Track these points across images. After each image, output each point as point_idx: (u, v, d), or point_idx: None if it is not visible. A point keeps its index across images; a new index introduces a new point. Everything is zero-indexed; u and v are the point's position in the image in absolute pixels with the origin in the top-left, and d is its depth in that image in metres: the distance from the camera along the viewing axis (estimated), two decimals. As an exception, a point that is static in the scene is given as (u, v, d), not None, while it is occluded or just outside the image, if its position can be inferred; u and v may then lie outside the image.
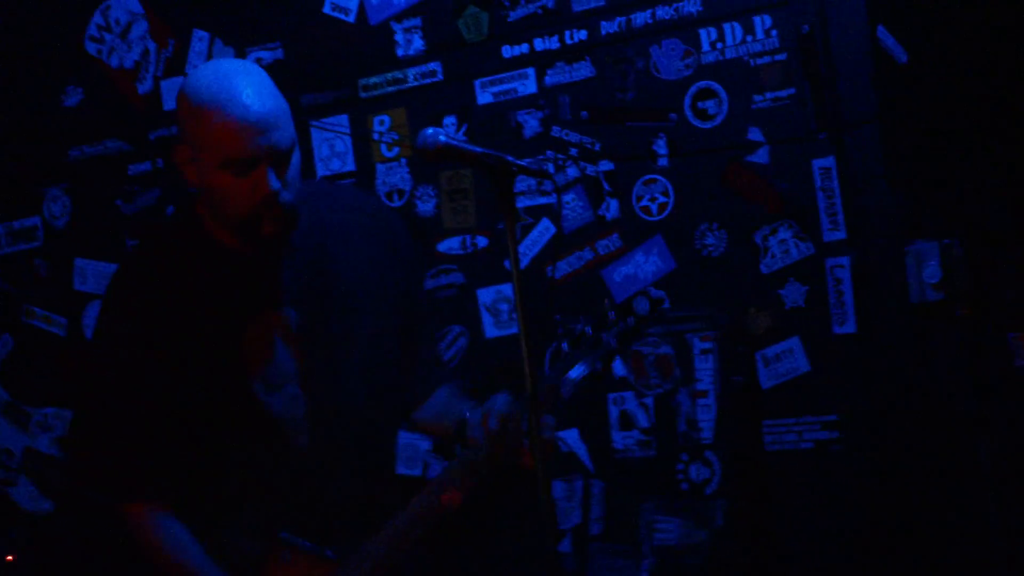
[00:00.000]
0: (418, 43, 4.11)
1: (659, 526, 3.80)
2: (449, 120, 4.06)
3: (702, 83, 3.75)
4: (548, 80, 3.94)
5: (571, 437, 3.91)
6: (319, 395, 2.77)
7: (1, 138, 4.83)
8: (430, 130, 2.47)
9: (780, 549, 3.65)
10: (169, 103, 4.50)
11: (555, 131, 3.93)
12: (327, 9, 4.23)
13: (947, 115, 3.81)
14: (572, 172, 3.91)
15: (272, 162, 2.60)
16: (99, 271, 4.63)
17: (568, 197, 3.91)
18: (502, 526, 3.93)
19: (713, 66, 3.74)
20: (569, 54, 3.90)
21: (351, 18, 4.20)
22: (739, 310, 3.72)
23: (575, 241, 3.90)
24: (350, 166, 4.22)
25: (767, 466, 3.68)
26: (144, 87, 4.55)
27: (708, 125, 3.75)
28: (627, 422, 3.85)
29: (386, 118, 4.17)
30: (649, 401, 3.82)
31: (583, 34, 3.88)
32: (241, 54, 4.35)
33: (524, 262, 3.94)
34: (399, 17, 4.13)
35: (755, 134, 3.69)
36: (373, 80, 4.17)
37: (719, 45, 3.73)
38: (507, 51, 3.98)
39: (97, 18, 4.62)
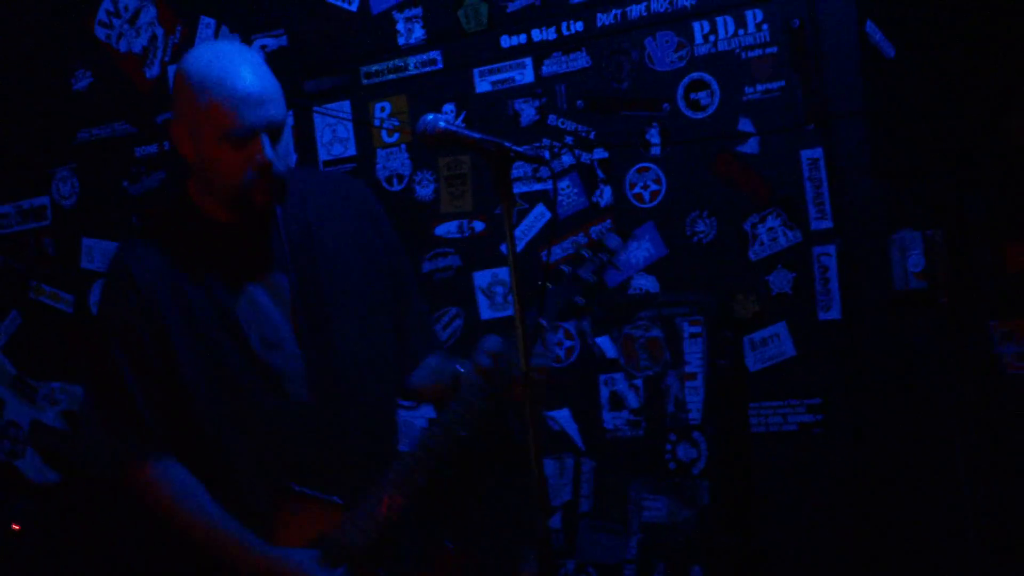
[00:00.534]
0: (419, 32, 4.18)
1: (647, 504, 3.83)
2: (448, 108, 4.12)
3: (695, 74, 3.82)
4: (545, 70, 4.00)
5: (563, 416, 3.98)
6: (316, 354, 2.84)
7: (12, 120, 4.89)
8: (430, 116, 2.55)
9: (764, 527, 3.71)
10: (176, 88, 4.57)
11: (551, 119, 4.00)
12: (331, -3, 4.31)
13: (932, 109, 3.85)
14: (567, 159, 3.98)
15: (268, 134, 2.72)
16: (106, 250, 4.68)
17: (563, 184, 3.97)
18: (494, 501, 4.00)
19: (705, 58, 3.80)
20: (566, 45, 3.96)
21: (354, 7, 4.26)
22: (727, 296, 3.79)
23: (569, 226, 3.97)
24: (351, 151, 4.29)
25: (752, 447, 3.75)
26: (152, 72, 4.62)
27: (700, 115, 3.81)
28: (617, 403, 3.90)
29: (387, 105, 4.24)
30: (639, 383, 3.87)
31: (579, 26, 3.95)
32: (246, 41, 4.40)
33: (519, 246, 4.00)
34: (400, 7, 4.19)
35: (745, 125, 3.75)
36: (375, 68, 4.24)
37: (712, 38, 3.79)
38: (505, 41, 4.05)
39: (107, 4, 4.68)
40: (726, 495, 3.73)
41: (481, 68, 4.09)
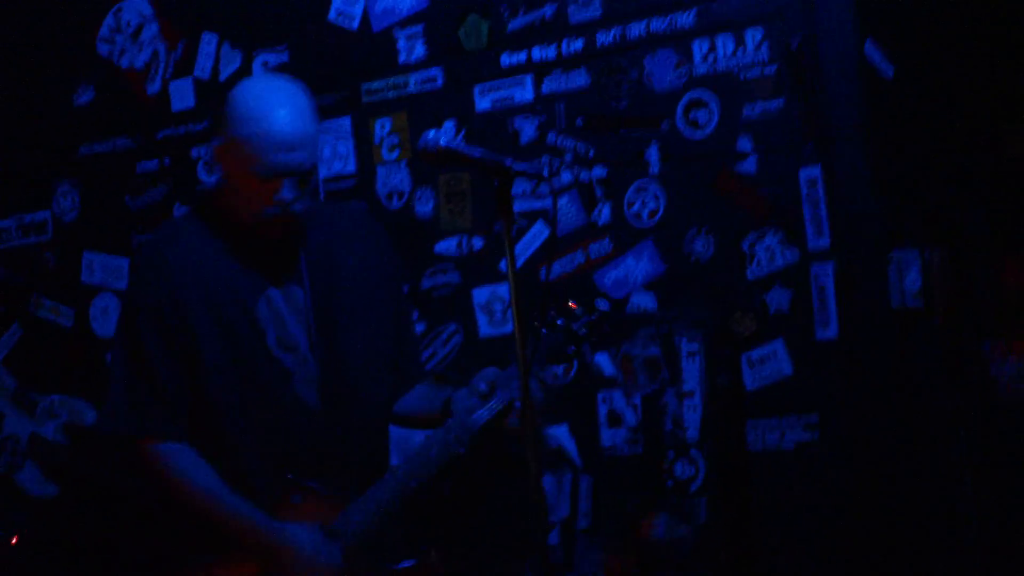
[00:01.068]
0: (420, 50, 4.20)
1: (644, 521, 3.84)
2: (448, 125, 4.14)
3: (694, 93, 3.84)
4: (545, 88, 4.02)
5: (561, 433, 3.99)
6: (326, 363, 2.96)
7: (14, 134, 4.91)
8: (431, 133, 2.61)
9: (761, 544, 3.70)
10: (177, 104, 4.60)
11: (551, 137, 4.02)
12: (332, 16, 4.32)
13: (930, 128, 3.87)
14: (566, 177, 3.99)
15: (291, 177, 2.83)
16: (106, 264, 4.71)
17: (562, 201, 3.99)
18: (493, 518, 4.01)
19: (705, 77, 3.82)
20: (566, 63, 3.99)
21: (355, 25, 4.29)
22: (725, 314, 3.80)
23: (568, 244, 3.99)
24: (351, 167, 4.32)
25: (750, 464, 3.75)
26: (153, 87, 4.64)
27: (699, 134, 3.83)
28: (615, 420, 3.92)
29: (387, 122, 4.26)
30: (637, 400, 3.89)
31: (579, 44, 3.97)
32: (249, 57, 4.44)
33: (518, 263, 3.93)
34: (402, 24, 4.22)
35: (744, 143, 3.77)
36: (375, 85, 4.26)
37: (711, 57, 3.81)
38: (506, 59, 4.07)
39: (109, 20, 4.71)
40: (724, 512, 3.74)
41: (481, 86, 4.11)
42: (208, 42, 4.53)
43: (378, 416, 3.10)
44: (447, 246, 4.18)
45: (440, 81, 4.18)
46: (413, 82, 4.21)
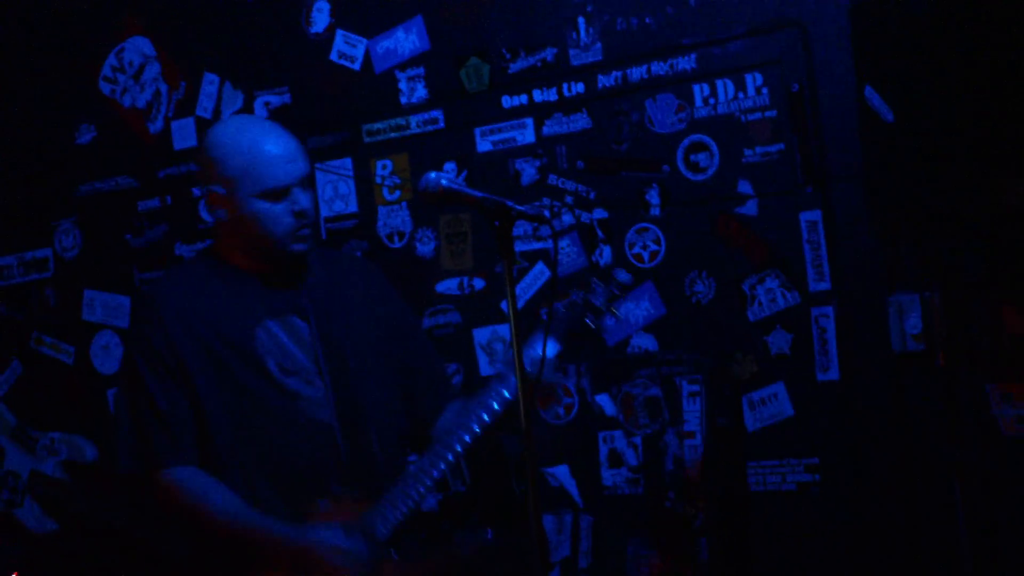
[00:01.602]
0: (421, 91, 4.22)
1: (645, 561, 3.87)
2: (449, 166, 4.16)
3: (694, 136, 3.86)
4: (546, 130, 4.04)
5: (562, 473, 4.01)
6: (334, 380, 3.03)
7: (16, 172, 4.93)
8: (433, 174, 2.65)
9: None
10: (179, 143, 4.61)
11: (551, 179, 4.04)
12: (334, 56, 4.34)
13: (930, 172, 3.87)
14: (567, 219, 4.01)
15: (300, 186, 3.00)
16: (107, 302, 4.73)
17: (563, 243, 4.01)
18: (493, 557, 4.01)
19: (705, 120, 3.84)
20: (567, 106, 4.01)
21: (356, 66, 4.30)
22: (726, 355, 3.82)
23: (569, 285, 3.97)
24: (353, 207, 4.33)
25: (751, 505, 3.78)
26: (155, 127, 4.65)
27: (699, 177, 3.85)
28: (616, 460, 3.93)
29: (388, 162, 4.28)
30: (638, 440, 3.90)
31: (581, 87, 3.99)
32: (250, 98, 4.46)
33: (519, 304, 4.03)
34: (403, 66, 4.23)
35: (745, 187, 3.79)
36: (377, 126, 4.28)
37: (711, 101, 3.83)
38: (507, 101, 4.09)
39: (111, 59, 4.72)
40: (724, 552, 3.74)
41: (482, 128, 4.13)
42: (210, 82, 4.55)
43: (394, 434, 3.14)
44: (448, 286, 4.19)
45: (441, 122, 4.19)
46: (414, 123, 4.23)
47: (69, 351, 4.80)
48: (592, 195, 3.99)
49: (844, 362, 3.68)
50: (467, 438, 2.98)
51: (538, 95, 4.05)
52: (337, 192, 4.34)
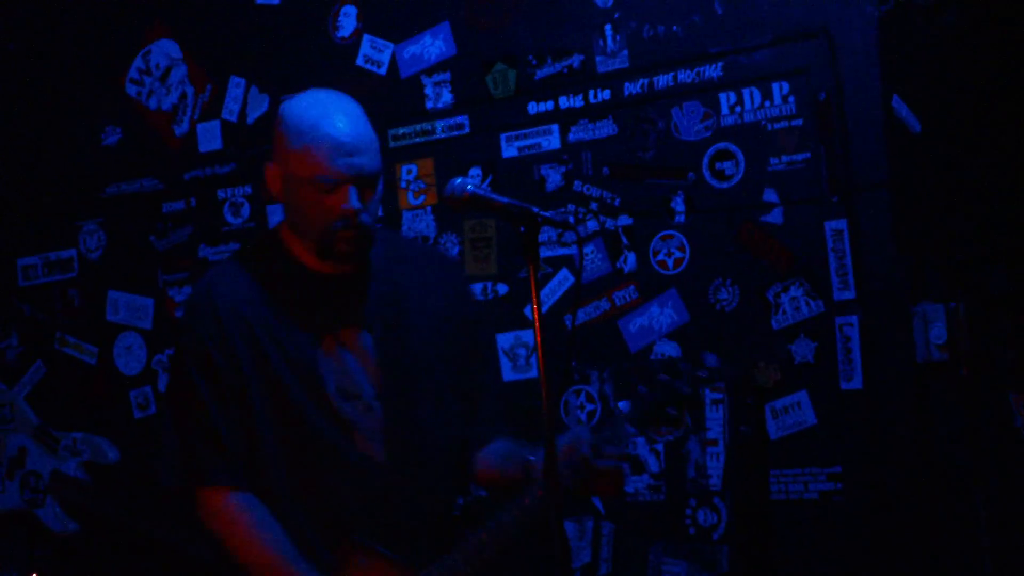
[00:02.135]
0: (447, 97, 4.23)
1: (666, 568, 3.87)
2: (475, 171, 4.17)
3: (720, 145, 3.86)
4: (572, 136, 4.04)
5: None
6: (394, 411, 2.86)
7: (42, 173, 4.95)
8: (458, 179, 2.60)
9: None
10: (204, 145, 4.64)
11: (577, 185, 4.04)
12: (360, 61, 4.35)
13: (956, 183, 3.88)
14: (592, 225, 4.01)
15: (356, 183, 2.75)
16: (131, 303, 4.75)
17: (588, 249, 4.01)
18: (514, 563, 4.01)
19: (731, 129, 3.84)
20: (593, 112, 4.01)
21: (383, 71, 4.32)
22: (750, 363, 3.81)
23: (593, 291, 4.01)
24: (378, 212, 4.31)
25: (773, 514, 3.76)
26: (181, 129, 4.68)
27: (725, 185, 3.85)
28: (638, 467, 3.92)
29: (414, 167, 4.28)
30: (660, 447, 3.91)
31: (607, 94, 4.00)
32: (276, 102, 4.46)
33: (543, 310, 3.98)
34: (429, 71, 4.25)
35: (770, 195, 3.78)
36: (402, 131, 4.29)
37: (738, 109, 3.83)
38: (533, 107, 4.10)
39: (138, 62, 4.75)
40: (746, 561, 3.76)
41: (508, 133, 4.13)
42: (236, 85, 4.57)
43: (446, 473, 2.95)
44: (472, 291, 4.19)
45: (467, 128, 4.20)
46: (440, 128, 4.24)
47: (92, 352, 4.82)
48: (617, 202, 3.99)
49: (868, 371, 3.67)
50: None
51: (564, 101, 4.05)
52: (362, 196, 4.34)
